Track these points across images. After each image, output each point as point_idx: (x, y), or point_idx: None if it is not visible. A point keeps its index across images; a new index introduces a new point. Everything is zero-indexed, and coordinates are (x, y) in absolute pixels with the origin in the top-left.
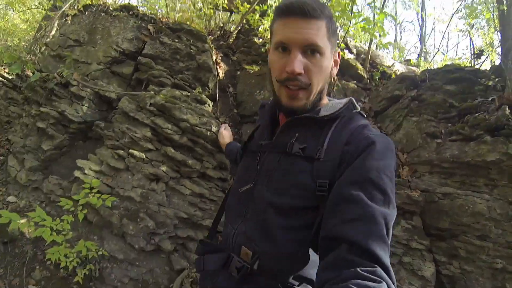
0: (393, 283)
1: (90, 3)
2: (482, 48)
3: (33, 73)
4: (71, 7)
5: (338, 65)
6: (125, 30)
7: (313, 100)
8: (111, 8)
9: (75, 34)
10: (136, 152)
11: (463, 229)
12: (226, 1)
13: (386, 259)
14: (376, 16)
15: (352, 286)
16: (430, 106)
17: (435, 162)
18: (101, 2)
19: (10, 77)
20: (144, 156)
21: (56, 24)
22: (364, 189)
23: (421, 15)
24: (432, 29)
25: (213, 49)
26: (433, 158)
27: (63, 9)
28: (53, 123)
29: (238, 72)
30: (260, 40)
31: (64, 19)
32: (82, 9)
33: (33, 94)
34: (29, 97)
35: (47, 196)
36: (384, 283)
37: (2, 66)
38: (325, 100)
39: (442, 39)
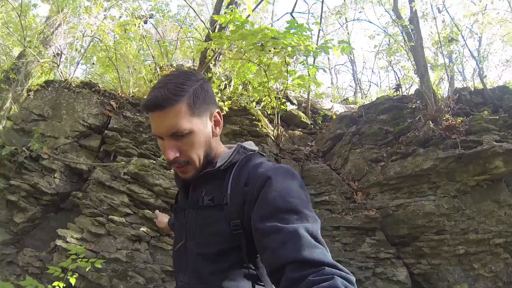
0: (346, 273)
1: (52, 79)
2: (398, 82)
3: (2, 146)
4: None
5: (221, 122)
6: (89, 106)
7: (202, 165)
8: (73, 85)
9: (39, 109)
10: (116, 217)
11: (421, 230)
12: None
13: (327, 259)
14: (308, 72)
15: None
16: (369, 136)
17: (383, 182)
18: (63, 79)
19: None
20: (124, 220)
21: (10, 98)
22: (276, 218)
23: (350, 57)
24: (363, 67)
25: None
26: (380, 179)
27: (25, 87)
28: (25, 195)
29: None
30: None
31: (27, 94)
32: (44, 84)
33: (0, 167)
34: None
35: (23, 269)
36: (336, 276)
37: None
38: (222, 149)
39: (372, 74)
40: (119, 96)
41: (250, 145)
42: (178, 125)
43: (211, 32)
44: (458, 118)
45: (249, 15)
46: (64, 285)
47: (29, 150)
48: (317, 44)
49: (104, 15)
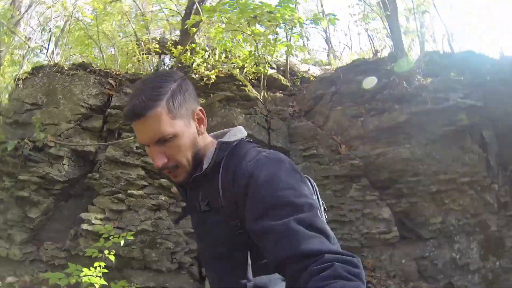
0: (348, 255)
1: (41, 65)
2: (377, 49)
3: (2, 142)
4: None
5: (205, 120)
6: (88, 86)
7: (192, 167)
8: (66, 68)
9: (31, 98)
10: (134, 191)
11: (399, 174)
12: (157, 46)
13: (326, 246)
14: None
15: (311, 286)
16: (349, 95)
17: (363, 135)
18: (52, 63)
19: None
20: (143, 193)
21: None
22: (267, 216)
23: (322, 12)
24: (335, 30)
25: None
26: (361, 132)
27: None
28: (35, 189)
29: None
30: (197, 75)
31: (15, 84)
32: (33, 72)
33: (1, 166)
34: None
35: (48, 263)
36: (336, 262)
37: None
38: (209, 145)
39: (345, 36)
40: (115, 74)
41: (234, 133)
42: (161, 130)
43: (198, 5)
44: (428, 78)
45: None
46: (105, 265)
47: (31, 141)
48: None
49: None
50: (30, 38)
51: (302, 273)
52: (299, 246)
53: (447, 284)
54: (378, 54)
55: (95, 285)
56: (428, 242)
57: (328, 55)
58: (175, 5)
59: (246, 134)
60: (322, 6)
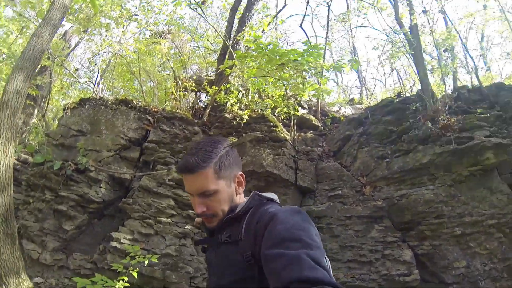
0: None
1: (87, 97)
2: (399, 91)
3: (49, 161)
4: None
5: (244, 183)
6: (128, 121)
7: (225, 216)
8: (109, 102)
9: (77, 125)
10: (163, 219)
11: (422, 216)
12: (194, 84)
13: (328, 279)
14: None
15: None
16: (375, 136)
17: (388, 176)
18: (98, 97)
19: None
20: (171, 221)
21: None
22: (281, 246)
23: (355, 59)
24: (367, 65)
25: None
26: (386, 173)
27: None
28: (73, 205)
29: (211, 133)
30: (230, 115)
31: (63, 111)
32: (80, 102)
33: (45, 181)
34: (39, 183)
35: (75, 271)
36: None
37: None
38: (242, 199)
39: (377, 73)
40: (153, 111)
41: (269, 195)
42: (206, 186)
43: (232, 50)
44: (452, 118)
45: (263, 31)
46: (127, 279)
47: (74, 163)
48: (324, 55)
49: (122, 31)
50: (78, 69)
51: None
52: (305, 272)
53: None
54: (402, 94)
55: None
56: (451, 287)
57: (360, 93)
58: (211, 43)
59: (278, 200)
60: (353, 48)
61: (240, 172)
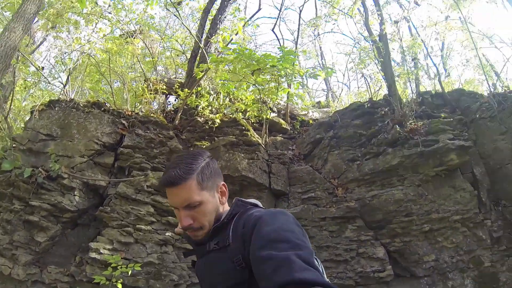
0: None
1: (57, 99)
2: (370, 97)
3: (17, 168)
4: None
5: (227, 193)
6: (102, 125)
7: (211, 228)
8: (81, 105)
9: (46, 129)
10: (143, 226)
11: (393, 215)
12: (164, 86)
13: (319, 279)
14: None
15: None
16: (346, 139)
17: (359, 178)
18: (68, 99)
19: None
20: (151, 228)
21: None
22: (270, 247)
23: (322, 63)
24: (335, 72)
25: None
26: (357, 175)
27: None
28: (45, 215)
29: (191, 149)
30: (202, 118)
31: (31, 114)
32: (49, 104)
33: (13, 190)
34: (6, 192)
35: (51, 286)
36: None
37: None
38: (226, 208)
39: (343, 77)
40: (127, 115)
41: (253, 201)
42: (190, 198)
43: (205, 53)
44: (419, 122)
45: (237, 33)
46: None
47: (45, 170)
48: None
49: (92, 29)
50: (43, 68)
51: None
52: (295, 273)
53: None
54: (372, 99)
55: None
56: (422, 280)
57: (327, 96)
58: (180, 45)
59: (260, 205)
60: (321, 52)
61: (222, 182)
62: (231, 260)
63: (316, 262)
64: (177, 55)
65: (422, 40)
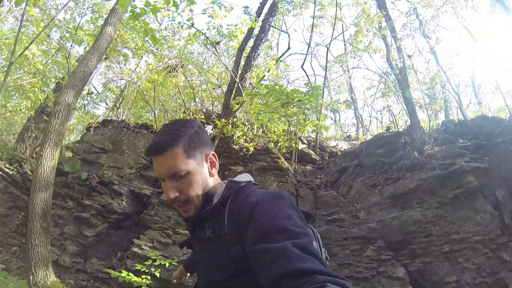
0: (341, 278)
1: (109, 119)
2: (388, 125)
3: (74, 172)
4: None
5: (217, 164)
6: (149, 144)
7: (201, 203)
8: (131, 125)
9: (100, 143)
10: (181, 230)
11: (413, 235)
12: (203, 116)
13: (319, 267)
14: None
15: None
16: (369, 167)
17: (380, 201)
18: (120, 120)
19: (10, 173)
20: (188, 232)
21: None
22: (266, 239)
23: (351, 97)
24: (364, 104)
25: None
26: (379, 199)
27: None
28: (95, 214)
29: (227, 173)
30: (237, 146)
31: (86, 129)
32: (103, 123)
33: (68, 190)
34: (61, 192)
35: (91, 275)
36: (328, 283)
37: (2, 160)
38: (219, 186)
39: (372, 110)
40: None
41: (243, 177)
42: (176, 167)
43: (240, 87)
44: (436, 147)
45: (269, 70)
46: (149, 278)
47: (98, 177)
48: (323, 93)
49: (138, 62)
50: (92, 93)
51: None
52: (294, 264)
53: None
54: (391, 129)
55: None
56: None
57: (357, 130)
58: (217, 79)
59: (253, 180)
60: (350, 86)
61: (212, 152)
62: (229, 250)
63: (314, 248)
64: (213, 88)
65: (443, 71)
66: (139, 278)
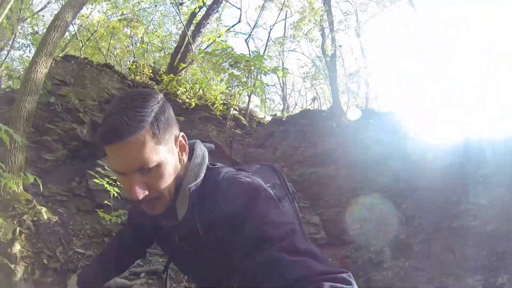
0: (336, 273)
1: (73, 55)
2: (314, 96)
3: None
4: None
5: (187, 147)
6: (112, 81)
7: (171, 199)
8: (94, 63)
9: (61, 76)
10: None
11: (327, 188)
12: (151, 71)
13: (312, 268)
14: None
15: None
16: (294, 133)
17: (302, 160)
18: (83, 57)
19: None
20: None
21: None
22: (252, 254)
23: (282, 79)
24: (292, 90)
25: None
26: (300, 158)
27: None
28: (56, 139)
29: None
30: (180, 101)
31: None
32: (65, 57)
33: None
34: None
35: (49, 198)
36: (322, 283)
37: None
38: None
39: (299, 96)
40: (130, 79)
41: (200, 163)
42: (145, 158)
43: (192, 46)
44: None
45: (219, 36)
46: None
47: (61, 104)
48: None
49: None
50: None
51: None
52: (284, 275)
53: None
54: (318, 102)
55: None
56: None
57: (282, 110)
58: (160, 42)
59: (207, 156)
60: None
61: (182, 133)
62: (207, 252)
63: (301, 242)
64: (156, 50)
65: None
66: (110, 186)
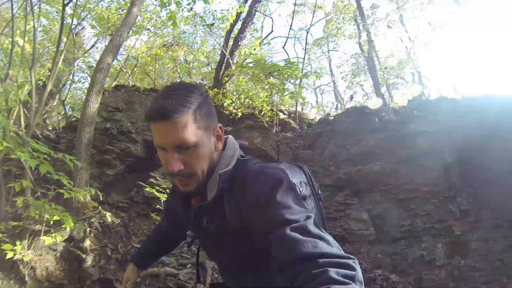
0: (343, 257)
1: (122, 84)
2: (352, 94)
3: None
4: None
5: (223, 137)
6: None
7: (203, 180)
8: (141, 89)
9: (114, 104)
10: None
11: (374, 184)
12: None
13: (319, 250)
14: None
15: None
16: (340, 132)
17: (348, 158)
18: (131, 85)
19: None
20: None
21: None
22: (269, 233)
23: (332, 79)
24: (346, 87)
25: None
26: (347, 156)
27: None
28: (114, 157)
29: None
30: (227, 112)
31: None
32: (116, 87)
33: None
34: None
35: (113, 205)
36: (328, 268)
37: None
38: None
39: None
40: None
41: (231, 153)
42: (185, 137)
43: (231, 61)
44: (391, 115)
45: (255, 49)
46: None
47: (117, 128)
48: (302, 71)
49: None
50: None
51: (298, 277)
52: (294, 251)
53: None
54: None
55: None
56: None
57: (336, 109)
58: (205, 57)
59: (238, 149)
60: (330, 68)
61: (219, 124)
62: (235, 235)
63: (314, 227)
64: (203, 66)
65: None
66: (160, 194)
